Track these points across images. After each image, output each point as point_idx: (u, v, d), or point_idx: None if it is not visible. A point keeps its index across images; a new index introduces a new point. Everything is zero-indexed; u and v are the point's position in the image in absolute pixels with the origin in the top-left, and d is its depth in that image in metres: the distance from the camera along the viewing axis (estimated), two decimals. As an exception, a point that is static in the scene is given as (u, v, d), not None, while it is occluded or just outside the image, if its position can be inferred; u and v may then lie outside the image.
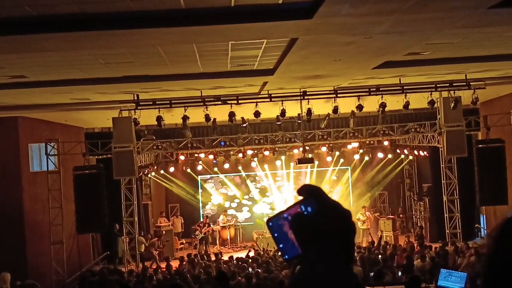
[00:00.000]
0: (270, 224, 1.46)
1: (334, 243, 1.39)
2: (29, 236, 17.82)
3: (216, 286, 13.81)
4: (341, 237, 1.40)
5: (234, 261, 17.65)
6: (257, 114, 16.78)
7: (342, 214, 1.42)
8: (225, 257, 19.17)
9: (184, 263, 18.02)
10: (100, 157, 19.65)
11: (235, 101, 16.62)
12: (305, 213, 1.41)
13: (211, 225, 24.09)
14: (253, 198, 26.47)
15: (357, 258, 15.91)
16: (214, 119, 17.50)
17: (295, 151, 23.49)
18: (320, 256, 1.38)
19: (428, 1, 7.37)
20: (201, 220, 24.60)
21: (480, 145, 18.67)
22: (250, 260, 17.67)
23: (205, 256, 19.58)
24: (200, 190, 26.37)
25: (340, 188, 26.47)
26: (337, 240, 1.39)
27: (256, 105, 16.72)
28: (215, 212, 26.19)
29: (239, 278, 14.12)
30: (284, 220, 1.44)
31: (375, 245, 18.99)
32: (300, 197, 1.44)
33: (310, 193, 1.43)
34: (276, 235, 1.45)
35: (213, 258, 19.09)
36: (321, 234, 1.39)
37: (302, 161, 20.09)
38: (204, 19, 7.89)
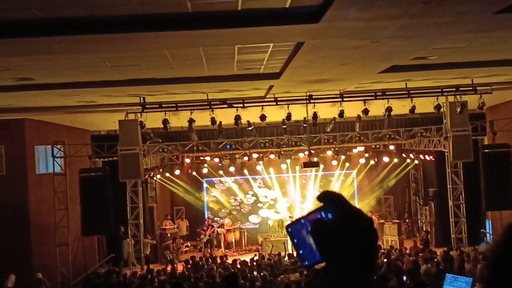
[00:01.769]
0: (289, 230, 1.45)
1: (356, 250, 1.37)
2: (34, 238, 17.86)
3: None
4: (363, 245, 1.39)
5: (238, 265, 17.64)
6: (263, 117, 16.79)
7: (364, 222, 1.41)
8: (230, 261, 19.16)
9: (189, 266, 18.03)
10: (106, 159, 19.69)
11: (241, 105, 16.63)
12: (326, 219, 1.40)
13: (214, 226, 24.16)
14: (256, 194, 26.46)
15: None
16: (220, 122, 17.52)
17: (301, 154, 23.47)
18: (341, 264, 1.37)
19: (435, 6, 7.37)
20: (205, 223, 24.64)
21: (486, 150, 18.62)
22: (255, 264, 17.66)
23: (210, 259, 19.58)
24: (205, 193, 26.38)
25: (346, 192, 26.43)
26: (359, 248, 1.38)
27: (262, 108, 16.73)
28: (218, 209, 26.24)
29: (242, 281, 14.11)
30: (303, 226, 1.43)
31: (381, 250, 18.95)
32: (320, 204, 1.43)
33: (331, 199, 1.42)
34: (295, 241, 1.44)
35: (218, 261, 19.08)
36: (342, 241, 1.38)
37: (307, 165, 20.06)
38: (210, 23, 7.91)
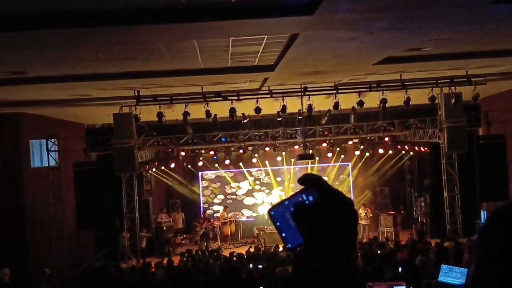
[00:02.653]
0: (272, 213, 1.45)
1: (337, 232, 1.38)
2: (30, 232, 17.83)
3: (219, 281, 13.85)
4: (344, 226, 1.39)
5: (234, 258, 17.66)
6: (257, 110, 16.78)
7: (344, 203, 1.41)
8: (226, 253, 19.19)
9: (185, 259, 18.04)
10: (101, 153, 19.65)
11: (236, 97, 16.61)
12: (307, 202, 1.40)
13: (211, 220, 24.21)
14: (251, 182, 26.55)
15: (359, 254, 15.94)
16: (215, 115, 17.49)
17: (296, 147, 23.49)
18: (322, 246, 1.37)
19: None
20: (201, 216, 24.69)
21: (481, 141, 18.67)
22: (250, 256, 17.69)
23: (206, 252, 19.61)
24: (201, 186, 26.39)
25: (341, 184, 26.46)
26: (340, 229, 1.38)
27: (257, 101, 16.72)
28: (212, 198, 26.30)
29: (244, 275, 14.15)
30: (286, 209, 1.43)
31: (377, 241, 19.00)
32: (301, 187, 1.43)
33: (311, 182, 1.42)
34: (278, 224, 1.44)
35: (215, 254, 19.11)
36: (323, 223, 1.38)
37: (302, 157, 20.09)
38: (204, 15, 7.88)
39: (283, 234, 1.43)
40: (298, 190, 1.43)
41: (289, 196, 1.44)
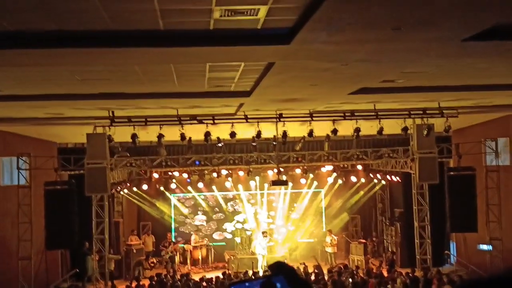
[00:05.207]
0: None
1: None
2: (-4, 251, 17.49)
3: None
4: None
5: (204, 283, 17.52)
6: (232, 134, 16.80)
7: None
8: (196, 278, 19.03)
9: (154, 282, 17.83)
10: (73, 172, 19.41)
11: (211, 121, 16.63)
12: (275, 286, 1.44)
13: (176, 242, 24.01)
14: (223, 210, 26.43)
15: (329, 282, 15.96)
16: (190, 138, 17.45)
17: (270, 172, 23.52)
18: None
19: (404, 32, 7.51)
20: (166, 239, 24.32)
21: (452, 173, 18.91)
22: (220, 282, 17.55)
23: (175, 276, 19.41)
24: (172, 209, 26.17)
25: (313, 210, 26.50)
26: None
27: (232, 125, 16.74)
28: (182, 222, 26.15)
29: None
30: None
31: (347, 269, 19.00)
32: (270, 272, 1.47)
33: (282, 270, 1.45)
34: None
35: (183, 278, 18.91)
36: None
37: (276, 183, 20.09)
38: (182, 41, 7.93)
39: None
40: (264, 275, 1.48)
41: (252, 279, 1.49)
